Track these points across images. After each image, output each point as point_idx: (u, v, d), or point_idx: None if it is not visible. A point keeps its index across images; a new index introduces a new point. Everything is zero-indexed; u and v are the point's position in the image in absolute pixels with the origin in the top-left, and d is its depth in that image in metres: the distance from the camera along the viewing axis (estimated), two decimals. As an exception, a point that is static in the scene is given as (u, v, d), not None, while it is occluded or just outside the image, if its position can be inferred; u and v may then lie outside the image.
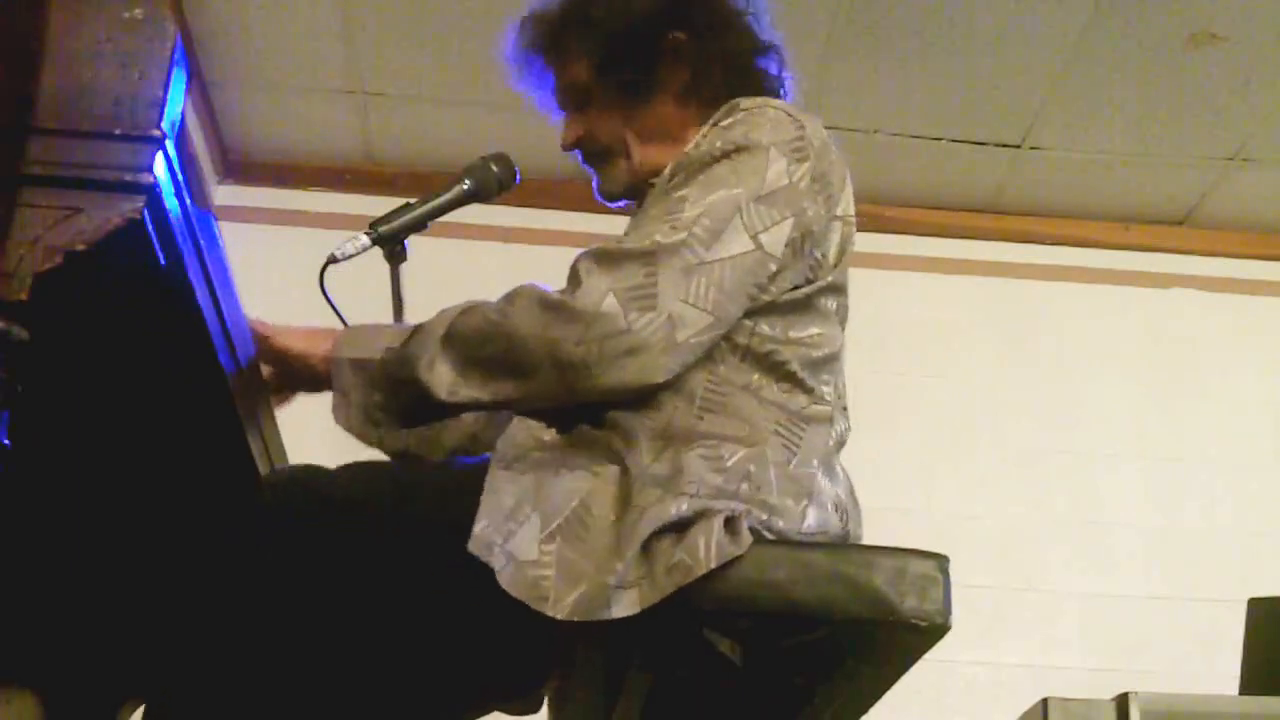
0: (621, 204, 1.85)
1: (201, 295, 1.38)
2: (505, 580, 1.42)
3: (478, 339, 1.55)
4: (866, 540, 1.62)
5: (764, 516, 1.50)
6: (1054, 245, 4.39)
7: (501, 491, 1.49)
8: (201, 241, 1.37)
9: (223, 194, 4.22)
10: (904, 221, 4.34)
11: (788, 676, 1.54)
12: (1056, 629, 3.95)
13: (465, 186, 1.96)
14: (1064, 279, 4.36)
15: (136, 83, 1.26)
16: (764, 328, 1.60)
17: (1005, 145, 4.12)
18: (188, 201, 1.33)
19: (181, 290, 1.34)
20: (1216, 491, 4.13)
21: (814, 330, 1.64)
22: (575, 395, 1.53)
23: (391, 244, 1.92)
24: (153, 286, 1.33)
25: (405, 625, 1.52)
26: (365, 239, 1.89)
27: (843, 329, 1.72)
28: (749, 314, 1.59)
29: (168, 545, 1.74)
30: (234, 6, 3.71)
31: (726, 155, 1.60)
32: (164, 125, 1.26)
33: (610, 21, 1.78)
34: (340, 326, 1.75)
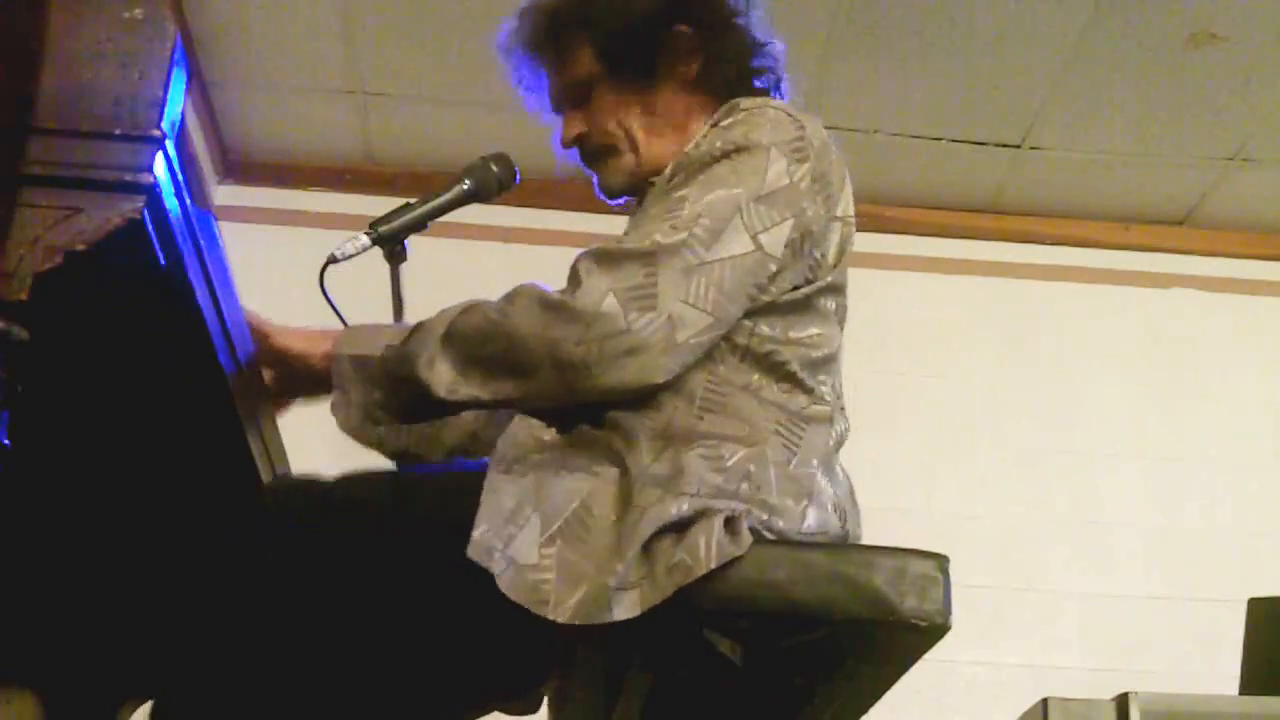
0: (621, 201, 1.85)
1: (201, 295, 1.38)
2: (505, 584, 1.42)
3: (478, 338, 1.55)
4: (866, 540, 1.62)
5: (764, 516, 1.50)
6: (1054, 245, 4.39)
7: (501, 493, 1.49)
8: (201, 241, 1.37)
9: (223, 194, 4.22)
10: (904, 221, 4.34)
11: (788, 676, 1.54)
12: (1056, 629, 3.95)
13: (465, 186, 1.96)
14: (1064, 279, 4.36)
15: (136, 83, 1.26)
16: (764, 328, 1.60)
17: (1005, 145, 4.12)
18: (188, 201, 1.33)
19: (181, 290, 1.34)
20: (1216, 491, 4.13)
21: (813, 330, 1.64)
22: (575, 395, 1.53)
23: (391, 244, 1.92)
24: (153, 286, 1.33)
25: (405, 625, 1.52)
26: (365, 239, 1.89)
27: (841, 329, 1.72)
28: (749, 314, 1.59)
29: (168, 545, 1.74)
30: (234, 6, 3.71)
31: (726, 155, 1.60)
32: (164, 125, 1.26)
33: (614, 14, 1.78)
34: (340, 327, 1.75)
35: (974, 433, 4.15)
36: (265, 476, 1.65)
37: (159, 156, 1.25)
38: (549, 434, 1.58)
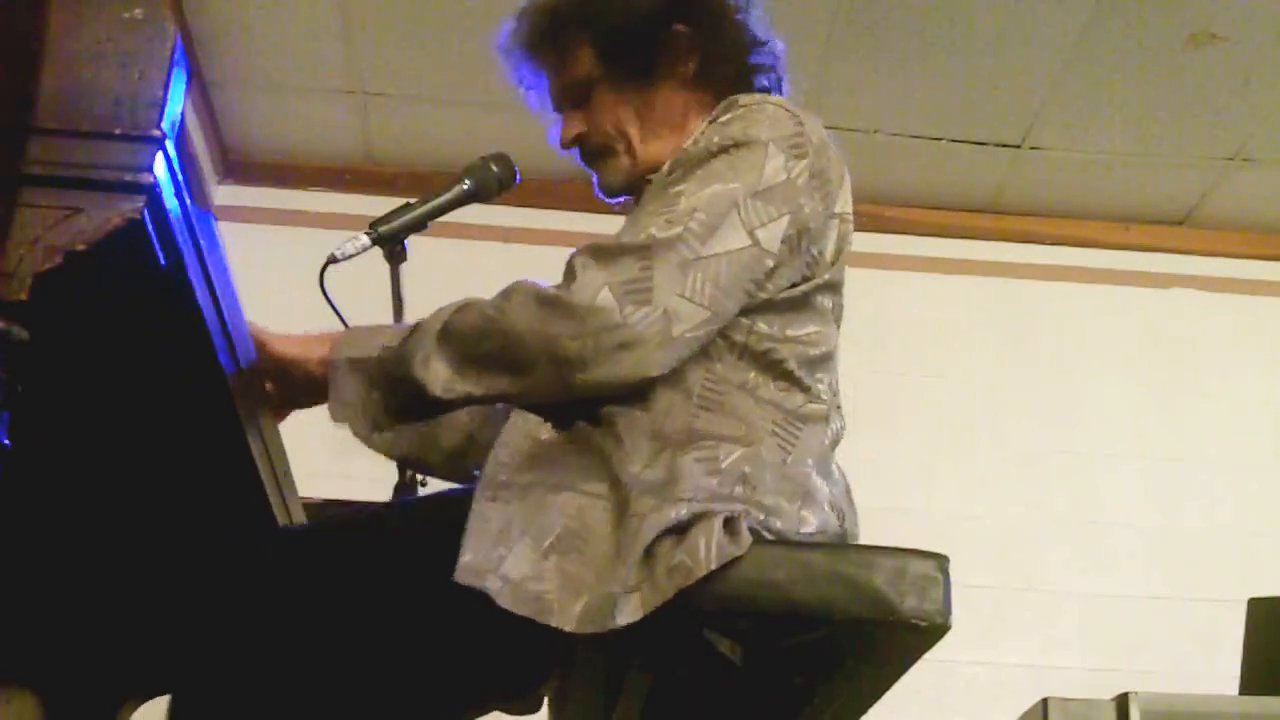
0: (621, 200, 1.85)
1: (201, 295, 1.38)
2: (506, 601, 1.41)
3: (474, 335, 1.55)
4: (866, 540, 1.62)
5: (761, 517, 1.49)
6: (1054, 245, 4.39)
7: (489, 520, 1.48)
8: (201, 241, 1.37)
9: (223, 194, 4.22)
10: (904, 221, 4.34)
11: (788, 676, 1.54)
12: (1056, 629, 3.95)
13: (465, 186, 1.96)
14: (1064, 279, 4.36)
15: (136, 83, 1.26)
16: (761, 326, 1.60)
17: (1005, 145, 4.12)
18: (188, 201, 1.33)
19: (181, 290, 1.34)
20: (1216, 491, 4.13)
21: (811, 328, 1.64)
22: (572, 390, 1.52)
23: (391, 244, 1.92)
24: (153, 286, 1.33)
25: (406, 626, 1.52)
26: (365, 239, 1.89)
27: (838, 328, 1.71)
28: (747, 312, 1.59)
29: (167, 545, 1.74)
30: (234, 6, 3.71)
31: (724, 150, 1.60)
32: (164, 125, 1.26)
33: (614, 13, 1.78)
34: (340, 327, 1.75)
35: (974, 433, 4.15)
36: (265, 476, 1.65)
37: (159, 156, 1.25)
38: (545, 432, 1.57)
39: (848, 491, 1.67)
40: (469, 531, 1.47)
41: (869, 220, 3.76)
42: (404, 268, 1.96)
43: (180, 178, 1.31)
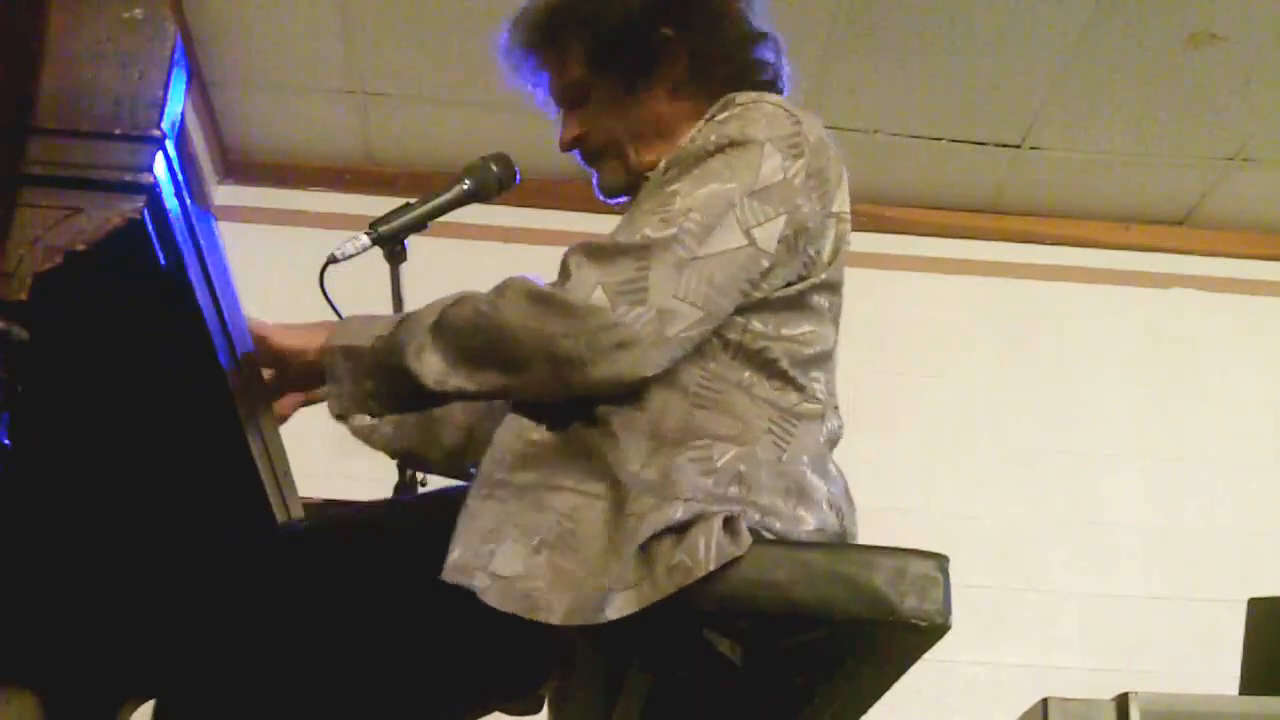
0: (621, 200, 1.85)
1: (201, 295, 1.38)
2: (493, 599, 1.41)
3: (467, 329, 1.55)
4: (866, 540, 1.62)
5: (758, 517, 1.49)
6: (1054, 245, 4.39)
7: (479, 517, 1.48)
8: (201, 241, 1.37)
9: (223, 194, 4.22)
10: (904, 221, 4.34)
11: (788, 676, 1.54)
12: (1056, 629, 3.95)
13: (465, 186, 1.96)
14: (1064, 279, 4.36)
15: (136, 83, 1.26)
16: (756, 324, 1.59)
17: (1005, 145, 4.12)
18: (188, 201, 1.33)
19: (181, 290, 1.34)
20: (1216, 491, 4.13)
21: (806, 328, 1.64)
22: (568, 389, 1.52)
23: (391, 244, 1.92)
24: (153, 286, 1.33)
25: (405, 625, 1.52)
26: (365, 239, 1.89)
27: (836, 327, 1.71)
28: (741, 310, 1.58)
29: (167, 545, 1.74)
30: (234, 6, 3.71)
31: (720, 150, 1.59)
32: (164, 125, 1.26)
33: (603, 18, 1.77)
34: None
35: (974, 433, 4.15)
36: (265, 476, 1.65)
37: (159, 156, 1.25)
38: (538, 432, 1.57)
39: (846, 490, 1.67)
40: (459, 529, 1.47)
41: (869, 220, 3.77)
42: (404, 268, 1.96)
43: (180, 178, 1.31)
